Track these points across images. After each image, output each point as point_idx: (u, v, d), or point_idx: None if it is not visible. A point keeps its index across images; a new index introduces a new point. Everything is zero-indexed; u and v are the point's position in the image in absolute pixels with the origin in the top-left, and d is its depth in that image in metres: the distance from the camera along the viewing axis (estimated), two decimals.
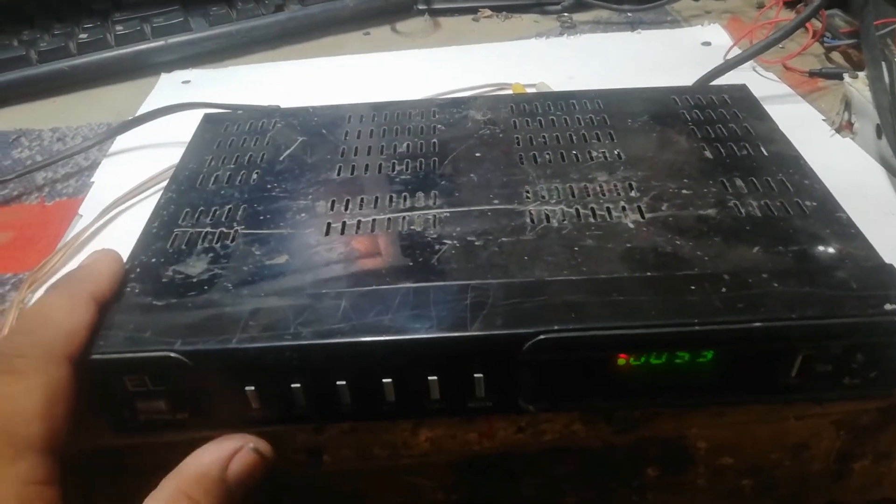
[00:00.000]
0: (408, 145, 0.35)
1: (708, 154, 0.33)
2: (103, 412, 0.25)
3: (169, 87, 0.53)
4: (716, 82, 0.43)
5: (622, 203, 0.29)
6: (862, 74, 0.41)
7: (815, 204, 0.29)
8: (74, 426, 0.23)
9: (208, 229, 0.30)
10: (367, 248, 0.29)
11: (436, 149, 0.35)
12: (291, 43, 0.59)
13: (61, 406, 0.22)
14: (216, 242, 0.29)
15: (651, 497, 0.30)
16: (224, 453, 0.24)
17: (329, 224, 0.30)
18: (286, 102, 0.44)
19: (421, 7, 0.63)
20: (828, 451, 0.28)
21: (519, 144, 0.34)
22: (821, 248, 0.26)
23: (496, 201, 0.30)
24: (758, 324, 0.23)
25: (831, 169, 0.31)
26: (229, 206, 0.31)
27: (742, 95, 0.38)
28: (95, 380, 0.24)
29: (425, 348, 0.24)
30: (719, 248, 0.26)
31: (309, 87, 0.51)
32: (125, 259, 0.28)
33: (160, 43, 0.55)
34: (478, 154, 0.34)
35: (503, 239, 0.28)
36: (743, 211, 0.28)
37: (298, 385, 0.25)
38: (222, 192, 0.32)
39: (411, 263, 0.27)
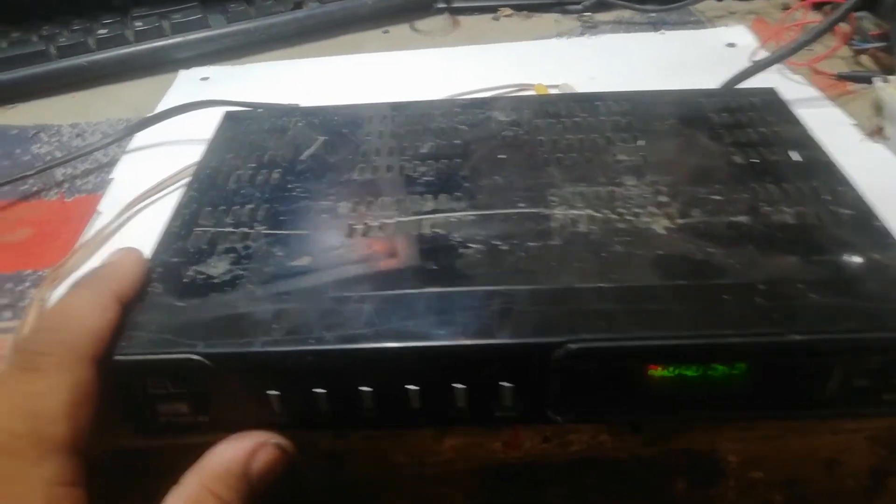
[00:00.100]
0: (430, 146, 0.35)
1: (738, 159, 0.32)
2: (125, 413, 0.25)
3: (187, 83, 0.53)
4: (743, 84, 0.42)
5: (651, 208, 0.29)
6: (893, 78, 0.40)
7: (850, 212, 0.28)
8: (98, 427, 0.22)
9: (230, 229, 0.30)
10: (390, 251, 0.28)
11: (459, 150, 0.34)
12: (310, 41, 0.58)
13: (86, 406, 0.22)
14: (238, 243, 0.29)
15: None
16: (246, 449, 0.24)
17: (351, 225, 0.30)
18: (305, 100, 0.44)
19: (440, 5, 0.62)
20: (862, 466, 0.27)
21: (543, 147, 0.34)
22: (858, 257, 0.26)
23: (521, 205, 0.30)
24: (795, 336, 0.22)
25: (863, 175, 0.30)
26: (251, 205, 0.31)
27: (771, 99, 0.37)
28: (117, 381, 0.24)
29: (450, 355, 0.23)
30: (752, 257, 0.26)
31: (328, 86, 0.51)
32: (147, 258, 0.28)
33: (178, 39, 0.54)
34: (502, 156, 0.34)
35: (529, 243, 0.27)
36: (776, 218, 0.28)
37: (321, 390, 0.24)
38: (243, 191, 0.32)
39: (436, 267, 0.27)
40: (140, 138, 0.46)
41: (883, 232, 0.27)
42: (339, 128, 0.37)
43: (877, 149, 0.39)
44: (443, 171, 0.33)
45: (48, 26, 0.55)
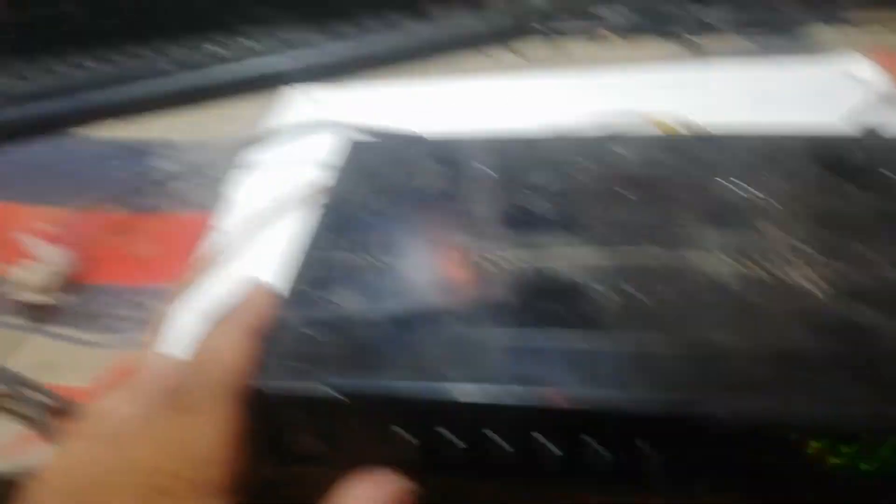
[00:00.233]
0: (553, 180, 0.34)
1: (893, 210, 0.30)
2: (259, 443, 0.25)
3: (295, 101, 0.54)
4: (876, 119, 0.40)
5: (799, 262, 0.27)
6: None
7: None
8: (244, 462, 0.23)
9: (360, 261, 0.30)
10: (518, 288, 0.28)
11: (582, 186, 0.33)
12: (411, 61, 0.59)
13: (237, 446, 0.22)
14: (368, 275, 0.29)
15: None
16: (379, 492, 0.24)
17: (478, 263, 0.29)
18: (415, 124, 0.44)
19: (539, 28, 0.62)
20: None
21: (671, 186, 0.33)
22: None
23: (651, 248, 0.29)
24: None
25: None
26: (380, 238, 0.31)
27: None
28: (252, 412, 0.25)
29: (588, 412, 0.23)
30: None
31: (436, 110, 0.51)
32: (274, 282, 0.29)
33: (288, 57, 0.56)
34: (629, 194, 0.33)
35: (662, 289, 0.27)
36: None
37: (449, 432, 0.24)
38: (372, 222, 0.32)
39: (564, 311, 0.26)
40: (253, 155, 0.47)
41: None
42: (462, 159, 0.36)
43: None
44: (566, 208, 0.32)
45: (163, 42, 0.58)
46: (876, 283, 0.26)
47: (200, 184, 0.46)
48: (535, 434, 0.24)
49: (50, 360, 0.36)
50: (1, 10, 0.67)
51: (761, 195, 0.31)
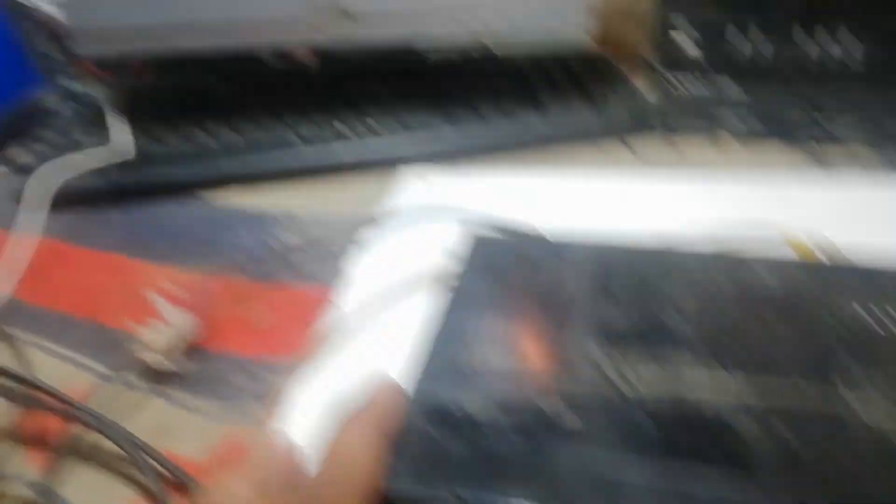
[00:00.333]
0: (688, 296, 0.33)
1: None
2: None
3: (412, 183, 0.55)
4: None
5: None
6: None
7: None
8: None
9: (487, 362, 0.30)
10: (658, 417, 0.26)
11: (721, 306, 0.32)
12: (524, 151, 0.59)
13: None
14: (495, 378, 0.29)
15: None
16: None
17: (613, 378, 0.28)
18: (522, 215, 0.45)
19: (656, 126, 0.62)
20: None
21: (816, 317, 0.31)
22: None
23: (802, 383, 0.27)
24: None
25: None
26: (507, 340, 0.31)
27: None
28: None
29: None
30: None
31: (554, 204, 0.50)
32: (397, 372, 0.29)
33: (407, 140, 0.58)
34: (769, 320, 0.31)
35: (816, 432, 0.25)
36: None
37: None
38: (500, 324, 0.32)
39: (710, 448, 0.25)
40: (370, 233, 0.48)
41: None
42: (590, 266, 0.35)
43: None
44: (705, 327, 0.31)
45: (291, 117, 0.61)
46: None
47: (320, 257, 0.47)
48: None
49: (167, 425, 0.36)
50: (148, 77, 0.73)
51: None
